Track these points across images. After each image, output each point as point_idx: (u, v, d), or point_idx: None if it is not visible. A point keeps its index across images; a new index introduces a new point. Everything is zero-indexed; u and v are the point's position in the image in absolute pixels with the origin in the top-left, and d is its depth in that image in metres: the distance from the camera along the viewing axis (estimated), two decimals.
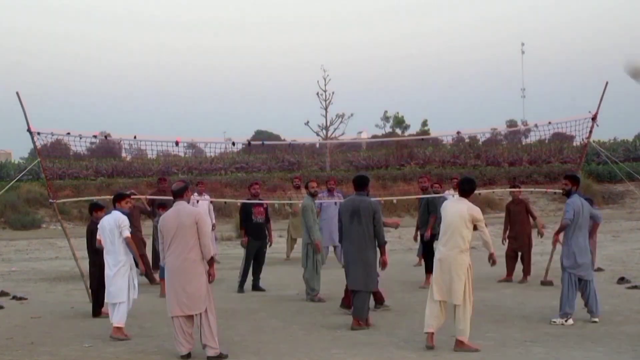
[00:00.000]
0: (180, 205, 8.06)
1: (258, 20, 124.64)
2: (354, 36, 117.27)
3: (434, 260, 8.37)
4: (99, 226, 9.60)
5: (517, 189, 13.80)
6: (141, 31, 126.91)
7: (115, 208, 9.57)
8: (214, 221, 16.07)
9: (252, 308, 11.01)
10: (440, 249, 8.23)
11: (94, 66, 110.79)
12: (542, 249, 16.27)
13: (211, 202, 16.57)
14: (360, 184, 9.48)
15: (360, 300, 9.33)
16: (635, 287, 12.09)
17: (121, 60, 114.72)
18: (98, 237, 9.60)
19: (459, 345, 8.02)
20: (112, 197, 10.03)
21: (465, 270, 8.06)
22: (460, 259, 8.05)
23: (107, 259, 9.36)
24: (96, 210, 10.34)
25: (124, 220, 9.33)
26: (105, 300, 9.46)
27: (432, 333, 8.21)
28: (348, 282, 9.61)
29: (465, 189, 8.30)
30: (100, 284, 9.85)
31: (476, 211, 8.16)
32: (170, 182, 15.38)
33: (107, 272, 9.33)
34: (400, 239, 20.74)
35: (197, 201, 15.07)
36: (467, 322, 8.02)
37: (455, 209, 8.13)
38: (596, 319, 9.32)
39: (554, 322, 9.29)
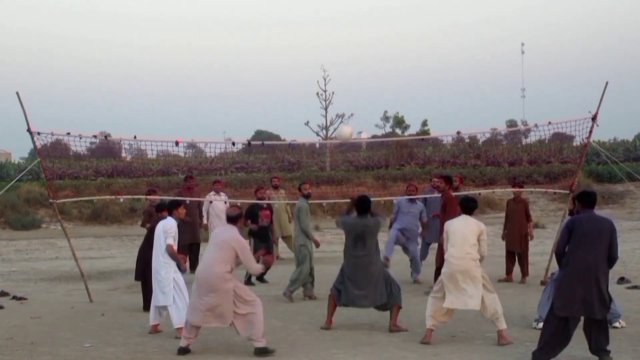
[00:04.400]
0: (229, 227, 8.39)
1: (258, 20, 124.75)
2: (354, 36, 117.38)
3: (450, 271, 8.46)
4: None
5: (520, 189, 13.71)
6: (141, 31, 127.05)
7: (170, 214, 9.71)
8: None
9: None
10: (453, 261, 8.44)
11: (94, 66, 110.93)
12: (542, 249, 16.30)
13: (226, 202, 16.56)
14: (365, 208, 9.50)
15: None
16: (635, 287, 12.10)
17: (121, 60, 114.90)
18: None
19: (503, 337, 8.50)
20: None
21: (480, 277, 8.48)
22: (476, 267, 8.44)
23: (167, 261, 9.44)
24: (161, 210, 10.44)
25: (172, 227, 9.48)
26: (164, 304, 9.47)
27: (433, 330, 8.44)
28: (350, 302, 9.49)
29: (470, 207, 8.73)
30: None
31: (483, 226, 8.66)
32: (197, 181, 15.71)
33: (167, 274, 9.42)
34: None
35: (211, 202, 15.21)
36: (499, 314, 8.48)
37: (466, 222, 8.57)
38: (616, 324, 9.08)
39: (534, 326, 9.27)
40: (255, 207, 13.55)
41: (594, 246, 7.36)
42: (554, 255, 9.18)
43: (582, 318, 7.50)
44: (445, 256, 8.57)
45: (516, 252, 13.19)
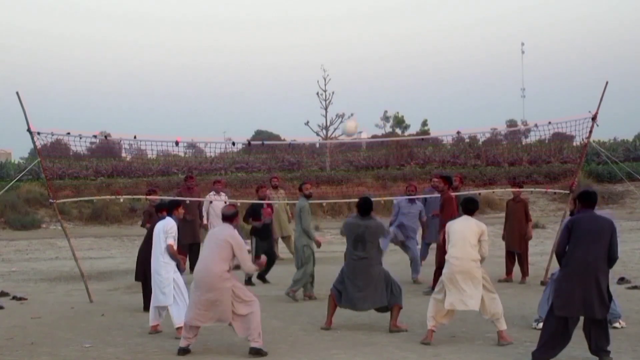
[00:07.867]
0: (225, 225, 8.43)
1: (258, 19, 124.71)
2: (354, 36, 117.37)
3: (450, 272, 8.45)
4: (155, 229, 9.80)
5: (519, 189, 13.69)
6: (141, 31, 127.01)
7: (170, 215, 9.72)
8: None
9: None
10: (453, 262, 8.42)
11: (94, 66, 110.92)
12: (542, 249, 16.31)
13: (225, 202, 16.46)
14: (367, 209, 9.51)
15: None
16: (635, 287, 12.10)
17: (121, 60, 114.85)
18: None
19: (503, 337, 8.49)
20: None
21: (480, 277, 8.46)
22: (476, 268, 8.42)
23: (168, 261, 9.46)
24: (161, 210, 10.34)
25: (172, 227, 9.50)
26: (164, 304, 9.46)
27: (434, 331, 8.44)
28: (350, 304, 9.42)
29: (471, 208, 8.74)
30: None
31: (484, 226, 8.62)
32: (197, 181, 15.62)
33: (167, 274, 9.43)
34: None
35: (211, 202, 15.09)
36: (499, 315, 8.46)
37: (466, 223, 8.57)
38: (616, 325, 9.08)
39: (534, 326, 9.24)
40: (257, 204, 13.63)
41: (593, 246, 7.38)
42: (554, 255, 9.23)
43: (582, 318, 7.51)
44: (446, 257, 8.57)
45: (516, 252, 13.18)
